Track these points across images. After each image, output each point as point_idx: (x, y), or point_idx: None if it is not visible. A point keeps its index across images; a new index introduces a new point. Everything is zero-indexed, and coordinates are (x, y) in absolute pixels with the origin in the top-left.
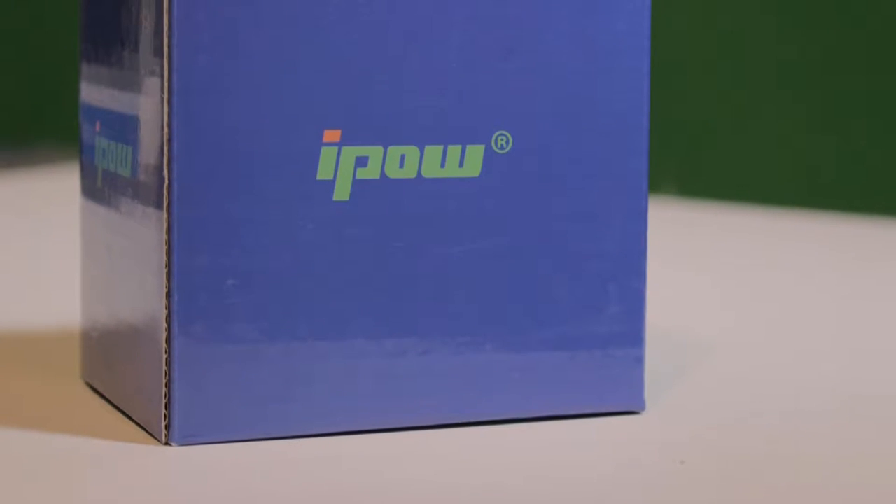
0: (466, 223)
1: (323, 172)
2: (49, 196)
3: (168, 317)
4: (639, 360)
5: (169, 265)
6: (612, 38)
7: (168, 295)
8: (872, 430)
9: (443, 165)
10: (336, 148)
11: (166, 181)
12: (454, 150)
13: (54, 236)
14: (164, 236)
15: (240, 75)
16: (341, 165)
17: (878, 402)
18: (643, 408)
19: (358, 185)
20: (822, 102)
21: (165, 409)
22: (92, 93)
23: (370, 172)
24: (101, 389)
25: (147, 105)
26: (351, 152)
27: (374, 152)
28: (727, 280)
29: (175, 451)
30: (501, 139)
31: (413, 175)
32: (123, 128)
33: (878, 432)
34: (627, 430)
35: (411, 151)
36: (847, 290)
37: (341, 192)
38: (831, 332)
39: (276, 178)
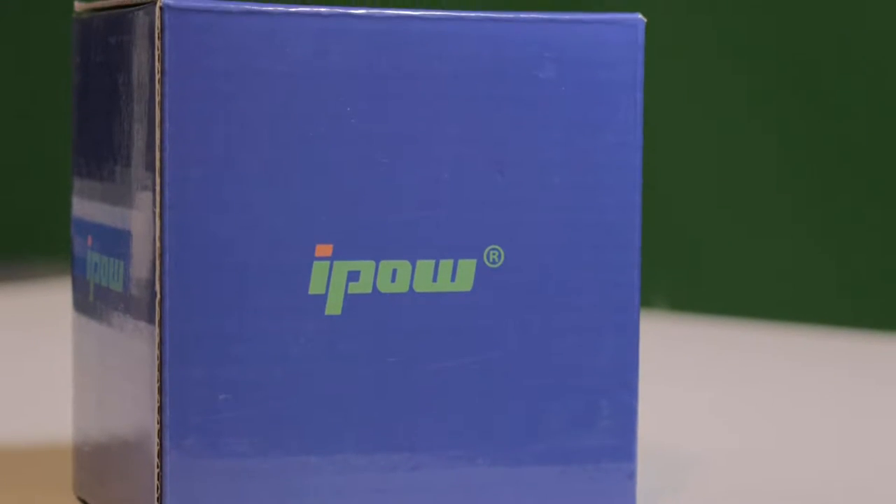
0: (458, 337)
1: (315, 287)
2: (41, 310)
3: (160, 431)
4: (630, 475)
5: (161, 380)
6: (603, 151)
7: (160, 409)
8: None
9: (435, 280)
10: (328, 262)
11: (158, 295)
12: (446, 265)
13: (46, 350)
14: (156, 351)
15: (231, 190)
16: (333, 280)
17: None
18: None
19: (350, 299)
20: (821, 216)
21: None
22: (84, 207)
23: (362, 287)
24: None
25: (139, 219)
26: (343, 267)
27: (365, 267)
28: (720, 396)
29: None
30: (493, 253)
31: (405, 289)
32: (115, 242)
33: None
34: None
35: (403, 266)
36: (844, 406)
37: (333, 307)
38: (827, 450)
39: (268, 293)
